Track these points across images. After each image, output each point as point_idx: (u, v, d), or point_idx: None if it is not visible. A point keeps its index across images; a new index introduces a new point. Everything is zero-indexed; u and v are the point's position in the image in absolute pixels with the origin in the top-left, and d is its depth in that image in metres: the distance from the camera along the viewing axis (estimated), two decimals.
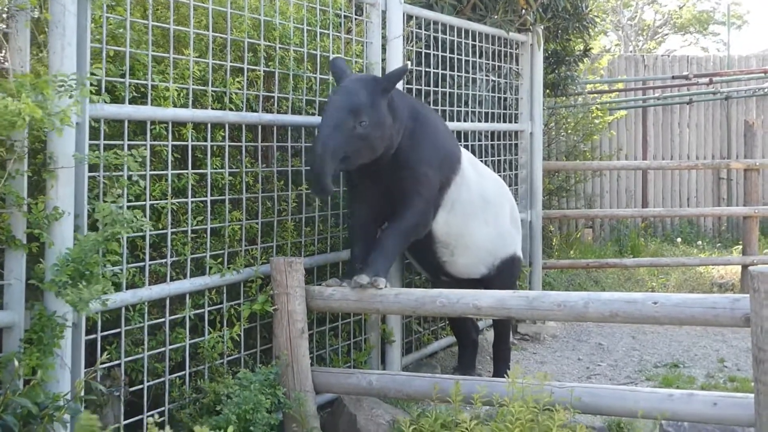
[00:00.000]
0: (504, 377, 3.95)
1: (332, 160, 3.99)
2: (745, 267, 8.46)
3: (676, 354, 6.50)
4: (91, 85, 3.18)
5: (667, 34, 24.11)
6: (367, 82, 4.27)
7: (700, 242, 11.23)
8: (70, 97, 2.92)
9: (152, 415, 2.93)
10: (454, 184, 4.74)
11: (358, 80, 4.27)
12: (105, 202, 3.24)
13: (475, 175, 5.01)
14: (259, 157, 4.33)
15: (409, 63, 4.24)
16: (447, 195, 4.70)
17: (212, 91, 4.01)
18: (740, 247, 9.38)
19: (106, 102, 3.39)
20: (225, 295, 4.09)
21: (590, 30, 8.23)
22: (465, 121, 6.12)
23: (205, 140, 3.97)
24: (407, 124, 4.46)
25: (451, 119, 5.90)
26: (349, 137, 4.06)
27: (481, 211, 4.97)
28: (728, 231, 12.08)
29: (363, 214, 4.54)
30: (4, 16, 3.05)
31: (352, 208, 4.66)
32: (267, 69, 4.36)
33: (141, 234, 3.56)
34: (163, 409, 3.75)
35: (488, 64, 6.49)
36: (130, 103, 3.58)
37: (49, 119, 2.91)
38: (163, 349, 3.78)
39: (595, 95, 11.54)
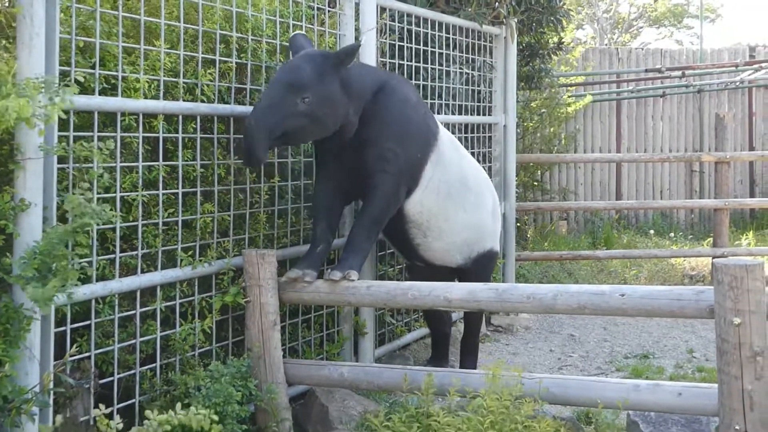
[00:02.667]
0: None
1: (265, 136, 3.86)
2: (715, 258, 8.56)
3: (647, 345, 6.59)
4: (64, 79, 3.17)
5: (642, 27, 24.30)
6: (314, 57, 4.11)
7: (672, 234, 11.36)
8: (50, 99, 2.90)
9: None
10: (430, 162, 4.59)
11: (306, 56, 4.12)
12: (74, 194, 3.21)
13: (456, 156, 4.87)
14: (232, 149, 4.32)
15: (362, 39, 4.04)
16: (423, 173, 4.56)
17: (184, 82, 3.99)
18: (711, 239, 9.51)
19: (75, 93, 3.36)
20: (197, 287, 4.08)
21: (564, 23, 8.28)
22: (439, 113, 6.14)
23: (177, 132, 3.96)
24: (370, 97, 4.32)
25: None
26: (288, 114, 3.93)
27: (459, 195, 4.81)
28: (700, 223, 12.24)
29: (327, 192, 4.43)
30: None
31: (316, 185, 4.54)
32: (239, 61, 4.35)
33: (111, 226, 3.55)
34: (133, 401, 3.74)
35: (462, 56, 6.51)
36: (100, 94, 3.56)
37: (32, 119, 2.88)
38: (133, 341, 3.77)
39: (570, 88, 11.63)
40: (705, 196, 12.04)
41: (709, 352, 6.31)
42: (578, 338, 6.79)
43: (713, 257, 8.70)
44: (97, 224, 3.23)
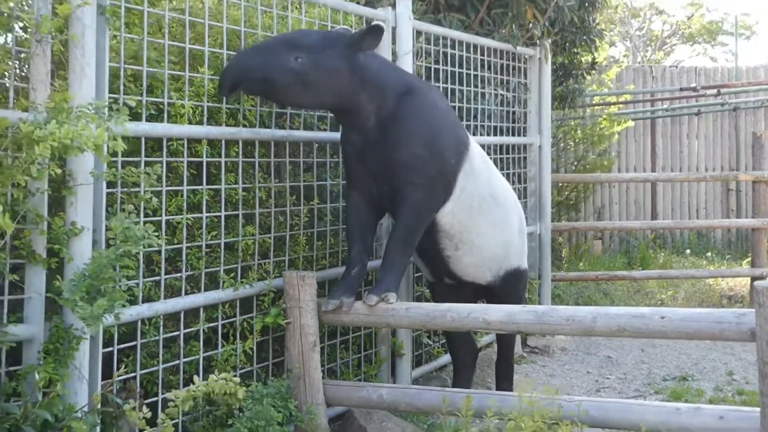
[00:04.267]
0: None
1: (237, 71, 3.88)
2: (754, 279, 8.48)
3: (685, 367, 6.53)
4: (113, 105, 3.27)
5: (675, 45, 24.15)
6: (329, 33, 4.25)
7: (709, 254, 11.25)
8: (99, 126, 3.01)
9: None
10: (463, 171, 4.50)
11: (322, 30, 4.28)
12: (116, 218, 3.29)
13: (485, 170, 4.77)
14: (272, 173, 4.40)
15: (382, 23, 4.12)
16: (456, 182, 4.46)
17: (226, 108, 4.08)
18: (749, 259, 9.40)
19: (126, 121, 3.44)
20: (238, 308, 4.15)
21: (597, 42, 8.30)
22: (474, 134, 6.17)
23: (220, 156, 4.04)
24: (394, 96, 4.25)
25: None
26: (273, 64, 3.92)
27: (489, 210, 4.71)
28: (737, 243, 12.09)
29: (359, 208, 4.38)
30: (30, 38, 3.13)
31: (347, 200, 4.50)
32: None
33: (157, 249, 3.63)
34: (176, 420, 3.80)
35: (496, 78, 6.55)
36: (147, 120, 3.65)
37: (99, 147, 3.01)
38: (177, 362, 3.84)
39: (603, 107, 11.60)
40: (742, 216, 11.91)
41: (749, 374, 6.23)
42: (615, 360, 6.75)
43: (752, 278, 8.61)
44: (139, 249, 3.29)
